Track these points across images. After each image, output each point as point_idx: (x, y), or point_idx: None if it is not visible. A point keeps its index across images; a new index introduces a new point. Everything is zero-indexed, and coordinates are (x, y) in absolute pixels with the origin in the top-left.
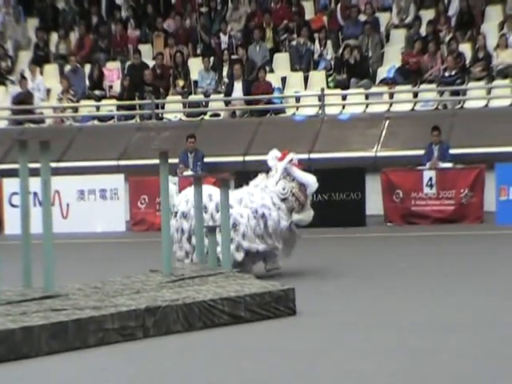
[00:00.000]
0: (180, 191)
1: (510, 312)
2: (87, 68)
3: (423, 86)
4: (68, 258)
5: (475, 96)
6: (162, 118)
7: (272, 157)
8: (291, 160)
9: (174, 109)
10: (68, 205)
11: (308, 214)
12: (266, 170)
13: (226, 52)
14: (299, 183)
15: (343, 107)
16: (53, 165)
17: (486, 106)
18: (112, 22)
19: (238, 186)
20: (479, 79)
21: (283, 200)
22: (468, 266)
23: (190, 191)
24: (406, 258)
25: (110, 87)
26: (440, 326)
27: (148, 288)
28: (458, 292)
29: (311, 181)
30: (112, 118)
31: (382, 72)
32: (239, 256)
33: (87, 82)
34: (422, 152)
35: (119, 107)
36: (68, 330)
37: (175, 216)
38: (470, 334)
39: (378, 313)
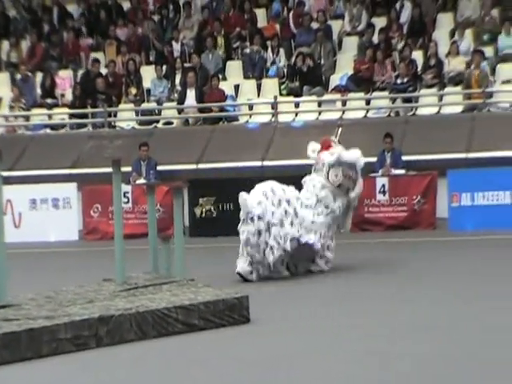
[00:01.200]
0: (133, 200)
1: (475, 314)
2: (39, 76)
3: (375, 94)
4: (20, 267)
5: (427, 103)
6: (114, 126)
7: (312, 150)
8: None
9: (126, 117)
10: (20, 214)
11: (359, 187)
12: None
13: (178, 60)
14: (348, 163)
15: (296, 115)
16: (4, 174)
17: (438, 112)
18: (64, 30)
19: (194, 194)
20: (431, 86)
21: (338, 186)
22: (426, 272)
23: (257, 192)
24: (360, 264)
25: (62, 95)
26: (397, 331)
27: (101, 297)
28: (417, 296)
29: (357, 157)
30: (64, 126)
31: (335, 79)
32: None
33: (39, 91)
34: (374, 159)
35: (71, 115)
36: (21, 339)
37: (252, 221)
38: (437, 337)
39: (334, 318)
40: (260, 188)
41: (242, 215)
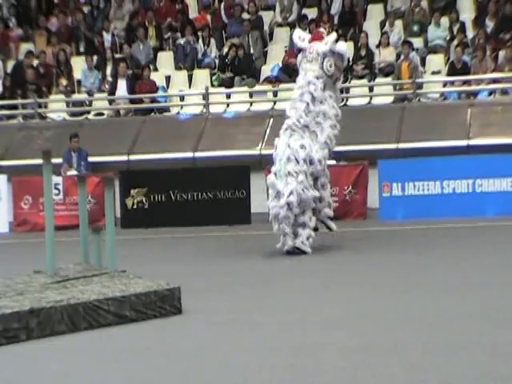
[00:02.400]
0: (64, 191)
1: (399, 304)
2: None
3: None
4: None
5: (358, 93)
6: (45, 118)
7: (299, 37)
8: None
9: (57, 108)
10: None
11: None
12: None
13: (109, 50)
14: (338, 54)
15: (228, 105)
16: None
17: (369, 103)
18: None
19: (125, 186)
20: (361, 77)
21: (330, 76)
22: (355, 263)
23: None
24: (292, 255)
25: None
26: (325, 323)
27: (32, 289)
28: (345, 288)
29: (346, 49)
30: None
31: (266, 70)
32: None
33: None
34: None
35: (1, 107)
36: None
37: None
38: (354, 329)
39: (264, 310)
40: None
41: (270, 194)
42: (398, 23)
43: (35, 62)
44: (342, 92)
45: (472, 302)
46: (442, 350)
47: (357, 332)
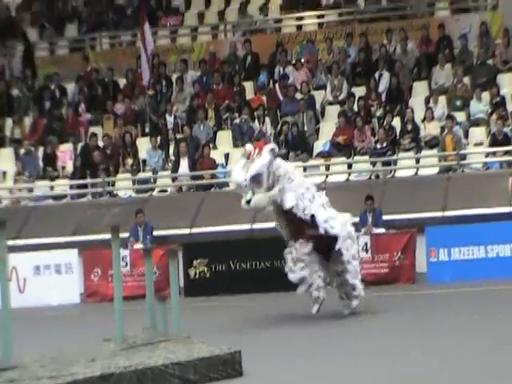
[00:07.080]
0: (131, 263)
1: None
2: (41, 150)
3: (357, 158)
4: (25, 330)
5: (405, 165)
6: (115, 195)
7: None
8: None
9: (124, 186)
10: (25, 279)
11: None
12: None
13: (171, 131)
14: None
15: None
16: (10, 242)
17: (416, 174)
18: (63, 106)
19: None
20: (408, 150)
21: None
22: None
23: None
24: (346, 319)
25: (63, 168)
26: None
27: (102, 356)
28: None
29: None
30: (65, 196)
31: (318, 146)
32: None
33: (41, 164)
34: (357, 219)
35: (72, 186)
36: None
37: None
38: None
39: (326, 374)
40: None
41: None
42: (442, 99)
43: (101, 144)
44: (390, 164)
45: None
46: None
47: None
